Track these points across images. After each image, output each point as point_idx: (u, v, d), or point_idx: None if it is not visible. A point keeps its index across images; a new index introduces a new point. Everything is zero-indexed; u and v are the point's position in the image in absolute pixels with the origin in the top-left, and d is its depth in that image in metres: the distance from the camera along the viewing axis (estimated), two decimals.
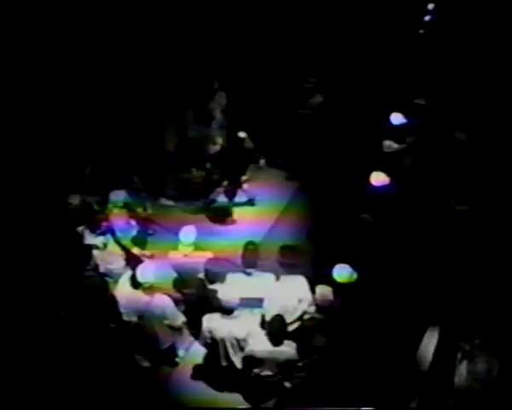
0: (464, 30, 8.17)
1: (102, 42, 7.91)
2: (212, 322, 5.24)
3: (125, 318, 5.45)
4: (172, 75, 8.18)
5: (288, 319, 5.26)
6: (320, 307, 5.36)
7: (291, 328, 5.33)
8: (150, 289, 5.40)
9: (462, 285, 5.64)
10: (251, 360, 5.15)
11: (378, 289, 5.47)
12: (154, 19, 8.40)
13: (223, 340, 5.21)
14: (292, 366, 5.12)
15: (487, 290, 5.55)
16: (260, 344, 5.09)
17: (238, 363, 5.29)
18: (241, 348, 5.23)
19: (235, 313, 5.18)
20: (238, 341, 5.21)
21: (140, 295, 5.39)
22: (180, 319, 5.59)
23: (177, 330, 5.69)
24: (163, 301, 5.44)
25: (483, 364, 5.05)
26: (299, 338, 5.23)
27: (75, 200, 6.34)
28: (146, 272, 5.39)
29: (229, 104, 8.22)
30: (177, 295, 5.73)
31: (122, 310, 5.44)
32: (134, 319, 5.45)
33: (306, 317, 5.43)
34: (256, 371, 5.17)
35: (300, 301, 5.43)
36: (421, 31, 8.88)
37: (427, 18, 8.87)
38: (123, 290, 5.49)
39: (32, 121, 7.15)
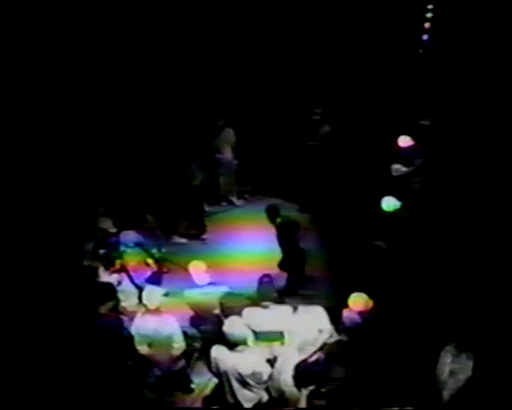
0: (465, 50, 8.23)
1: (112, 81, 8.10)
2: (218, 353, 5.07)
3: (138, 347, 5.43)
4: (179, 114, 8.32)
5: (309, 351, 5.14)
6: (347, 329, 5.29)
7: (312, 359, 5.24)
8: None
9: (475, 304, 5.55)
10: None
11: (394, 315, 5.40)
12: (159, 56, 8.54)
13: (226, 373, 5.02)
14: None
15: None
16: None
17: (244, 401, 5.06)
18: (246, 385, 5.02)
19: (241, 347, 4.98)
20: (242, 377, 4.99)
21: (148, 320, 5.40)
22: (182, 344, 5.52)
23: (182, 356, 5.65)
24: (170, 323, 5.44)
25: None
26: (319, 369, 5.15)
27: (90, 238, 6.38)
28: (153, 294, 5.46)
29: (238, 141, 8.32)
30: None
31: (135, 339, 5.44)
32: (145, 348, 5.42)
33: (326, 347, 5.36)
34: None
35: (320, 331, 5.34)
36: (420, 50, 9.02)
37: (425, 38, 9.01)
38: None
39: (46, 158, 7.18)
